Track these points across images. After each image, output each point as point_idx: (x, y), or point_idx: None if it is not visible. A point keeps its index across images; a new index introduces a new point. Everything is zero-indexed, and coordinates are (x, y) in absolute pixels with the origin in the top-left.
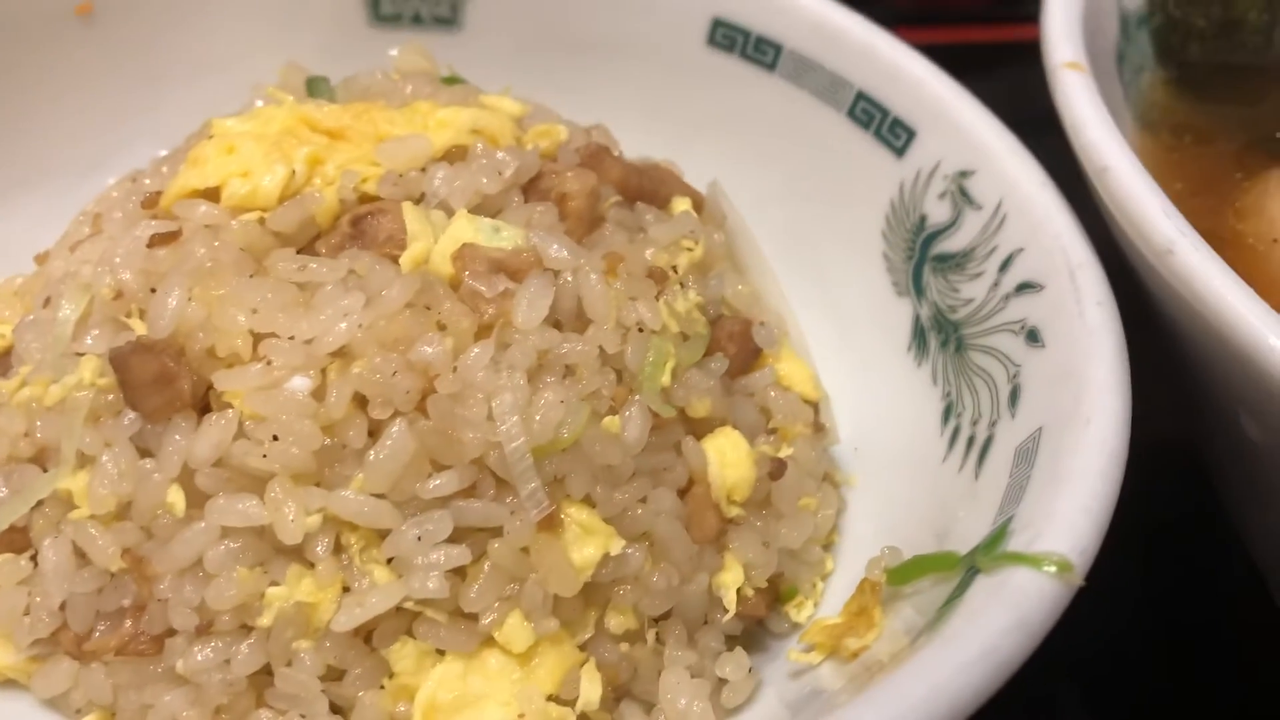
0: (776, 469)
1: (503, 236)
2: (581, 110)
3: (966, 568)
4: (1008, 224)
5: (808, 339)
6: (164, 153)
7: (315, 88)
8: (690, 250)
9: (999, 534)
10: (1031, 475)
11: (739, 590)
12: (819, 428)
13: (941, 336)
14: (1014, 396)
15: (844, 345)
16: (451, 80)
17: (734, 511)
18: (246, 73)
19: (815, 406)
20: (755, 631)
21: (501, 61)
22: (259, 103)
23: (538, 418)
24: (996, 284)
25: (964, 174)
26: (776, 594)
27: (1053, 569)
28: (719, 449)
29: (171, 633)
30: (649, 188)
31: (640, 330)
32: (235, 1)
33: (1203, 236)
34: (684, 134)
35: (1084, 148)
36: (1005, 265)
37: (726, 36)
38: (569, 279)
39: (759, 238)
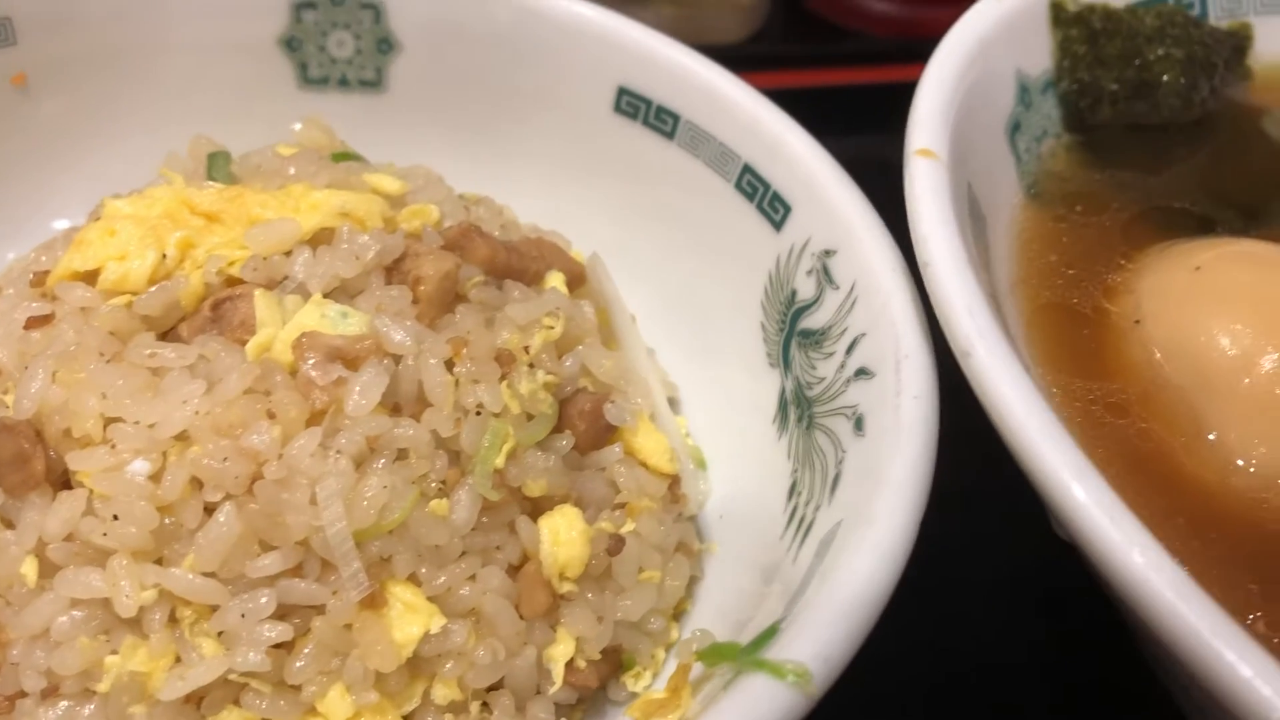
0: (615, 545)
1: (349, 322)
2: (496, 170)
3: (739, 663)
4: (857, 306)
5: (691, 404)
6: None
7: (214, 163)
8: (549, 329)
9: (769, 632)
10: (817, 571)
11: (571, 662)
12: (676, 499)
13: (798, 412)
14: (835, 484)
15: (725, 412)
16: (342, 157)
17: (566, 587)
18: (180, 139)
19: (674, 478)
20: (598, 699)
21: (424, 123)
22: (162, 179)
23: (363, 502)
24: (842, 366)
25: (828, 252)
26: (617, 664)
27: (791, 679)
28: (553, 527)
29: (23, 694)
30: (518, 265)
31: (479, 413)
32: (169, 69)
33: (1068, 312)
34: (592, 196)
35: (917, 241)
36: (851, 348)
37: (631, 104)
38: (410, 364)
39: (655, 302)
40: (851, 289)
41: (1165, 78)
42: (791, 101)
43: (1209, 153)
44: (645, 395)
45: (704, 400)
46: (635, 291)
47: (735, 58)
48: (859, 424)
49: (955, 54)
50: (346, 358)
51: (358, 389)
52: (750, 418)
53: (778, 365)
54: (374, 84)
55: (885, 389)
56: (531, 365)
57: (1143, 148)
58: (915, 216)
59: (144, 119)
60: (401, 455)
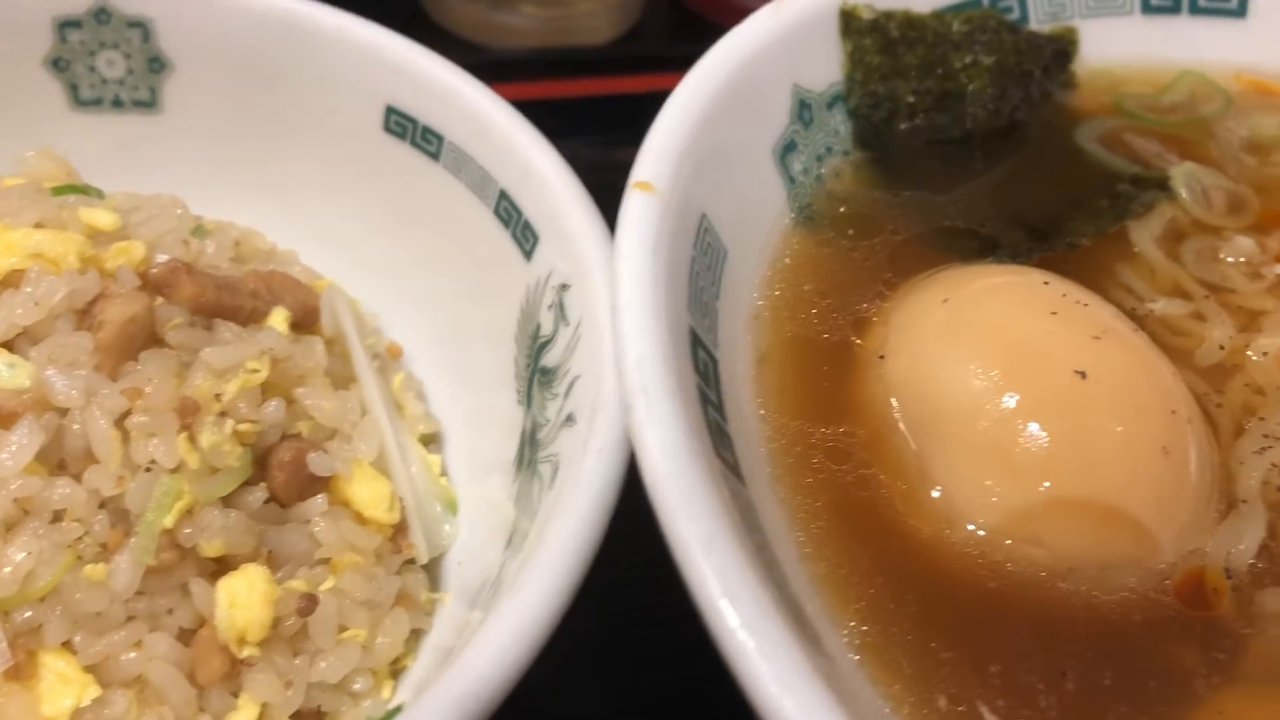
0: (306, 605)
1: (14, 374)
2: (266, 193)
3: None
4: (580, 346)
5: (455, 441)
6: None
7: None
8: (253, 372)
9: (391, 713)
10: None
11: None
12: (400, 548)
13: (529, 455)
14: (523, 539)
15: (483, 451)
16: (66, 189)
17: (248, 651)
18: None
19: (399, 527)
20: None
21: (198, 144)
22: None
23: (7, 569)
24: (561, 409)
25: (564, 287)
26: None
27: None
28: (232, 589)
29: None
30: (231, 303)
31: (149, 469)
32: None
33: (812, 346)
34: (363, 220)
35: (614, 284)
36: (569, 390)
37: (399, 124)
38: (77, 417)
39: (425, 332)
40: (578, 326)
41: (971, 87)
42: (654, 104)
43: (1012, 167)
44: (372, 439)
45: (467, 438)
46: (405, 321)
47: (606, 59)
48: (554, 475)
49: (710, 74)
50: (2, 413)
51: (11, 448)
52: (496, 459)
53: (524, 403)
54: (149, 104)
55: (578, 439)
56: (223, 414)
57: (941, 164)
58: (618, 255)
59: None
60: (57, 517)
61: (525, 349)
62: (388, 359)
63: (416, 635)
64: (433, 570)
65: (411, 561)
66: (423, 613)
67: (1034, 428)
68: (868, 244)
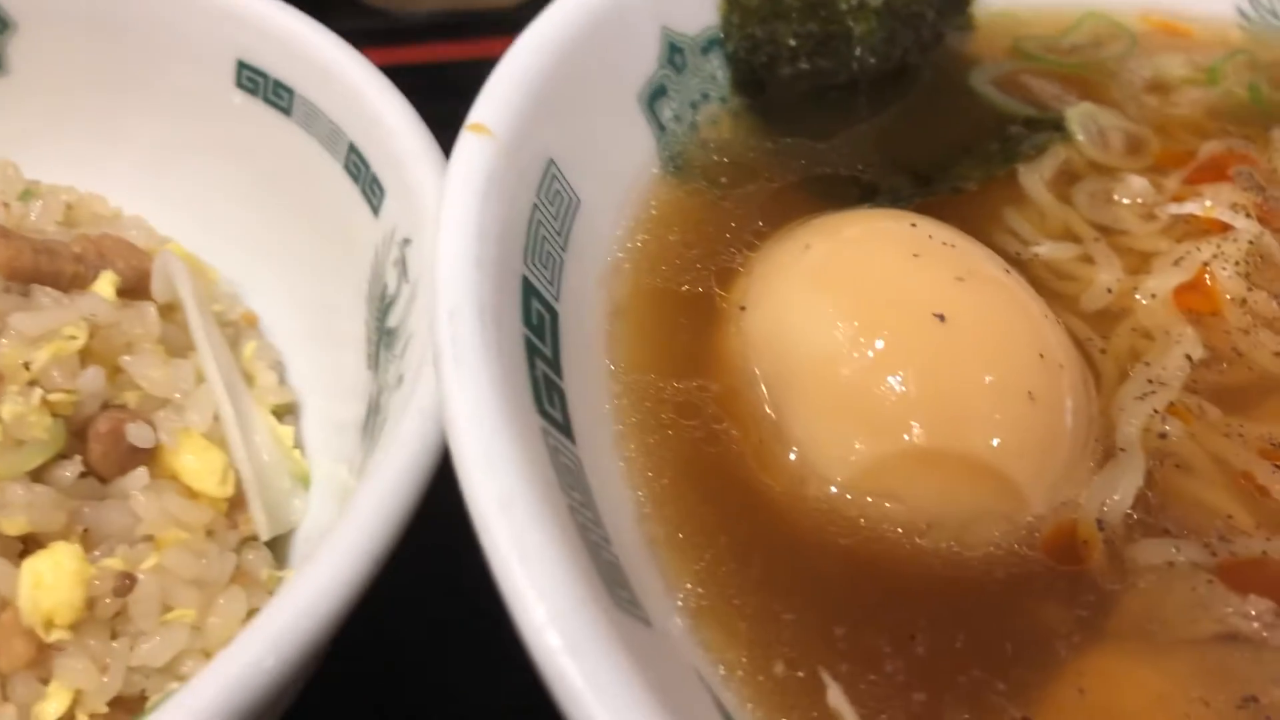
0: (123, 585)
1: None
2: (115, 155)
3: None
4: (415, 304)
5: (313, 412)
6: None
7: None
8: (70, 339)
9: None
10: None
11: (72, 716)
12: (235, 524)
13: (372, 422)
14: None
15: (335, 420)
16: None
17: (57, 635)
18: None
19: (236, 501)
20: None
21: (47, 107)
22: None
23: None
24: (397, 371)
25: (407, 242)
26: (134, 714)
27: None
28: (37, 570)
29: None
30: (50, 268)
31: None
32: None
33: (673, 298)
34: (218, 180)
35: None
36: (404, 351)
37: (250, 79)
38: None
39: (283, 298)
40: (416, 283)
41: (857, 30)
42: None
43: (900, 113)
44: (205, 409)
45: (326, 408)
46: (265, 287)
47: (512, 22)
48: (376, 438)
49: (566, 16)
50: None
51: None
52: (351, 427)
53: (372, 367)
54: None
55: (401, 402)
56: (33, 383)
57: (826, 110)
58: (444, 204)
59: None
60: None
61: (374, 310)
62: (243, 327)
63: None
64: (281, 547)
65: (254, 538)
66: (264, 591)
67: (888, 375)
68: (740, 193)
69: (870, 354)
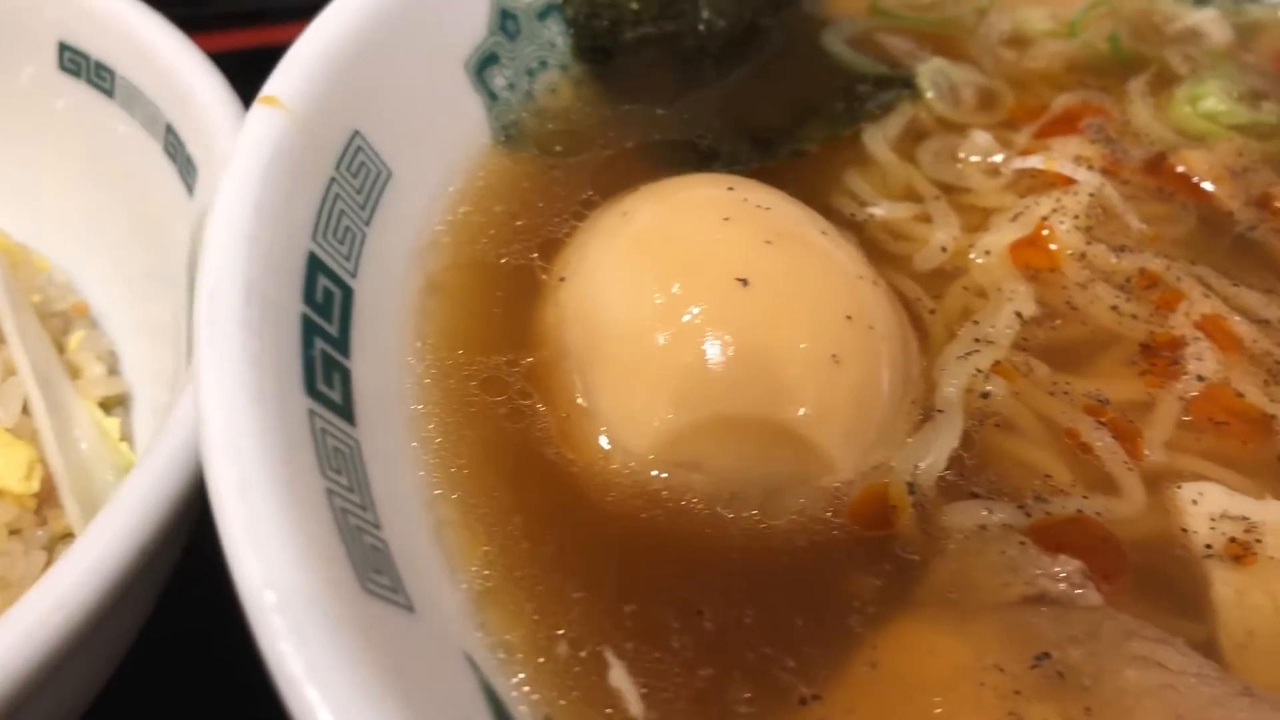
0: None
1: None
2: None
3: None
4: None
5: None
6: None
7: None
8: None
9: None
10: None
11: None
12: (44, 520)
13: None
14: None
15: (164, 411)
16: None
17: None
18: None
19: (40, 496)
20: None
21: None
22: None
23: None
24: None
25: None
26: None
27: None
28: None
29: None
30: None
31: None
32: None
33: (491, 271)
34: (45, 167)
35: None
36: None
37: (73, 61)
38: None
39: (118, 288)
40: None
41: None
42: None
43: (748, 76)
44: (11, 403)
45: (157, 399)
46: (99, 276)
47: None
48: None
49: None
50: None
51: None
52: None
53: (188, 355)
54: None
55: (185, 383)
56: None
57: (672, 75)
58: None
59: None
60: None
61: (190, 295)
62: (72, 317)
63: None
64: None
65: (71, 535)
66: None
67: (687, 342)
68: (573, 162)
69: (670, 321)
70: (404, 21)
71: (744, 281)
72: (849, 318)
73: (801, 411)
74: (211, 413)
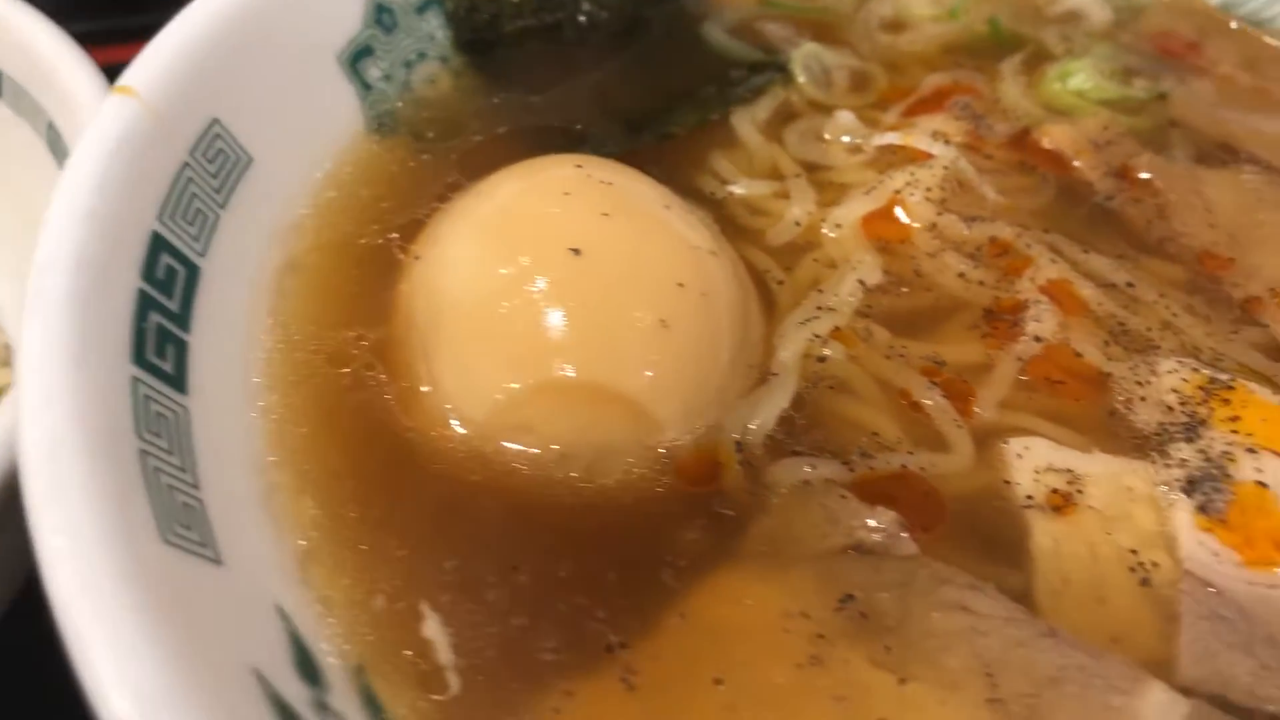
0: None
1: None
2: None
3: None
4: None
5: None
6: None
7: None
8: None
9: None
10: None
11: None
12: None
13: None
14: None
15: None
16: None
17: None
18: None
19: None
20: None
21: None
22: None
23: None
24: None
25: None
26: None
27: None
28: None
29: None
30: None
31: None
32: None
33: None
34: None
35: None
36: None
37: None
38: None
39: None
40: None
41: None
42: None
43: (627, 64)
44: None
45: None
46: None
47: None
48: None
49: None
50: None
51: None
52: None
53: None
54: None
55: None
56: None
57: (551, 64)
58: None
59: None
60: None
61: None
62: None
63: None
64: None
65: None
66: None
67: (522, 311)
68: (444, 147)
69: (504, 292)
70: (272, 16)
71: (576, 251)
72: (680, 285)
73: (629, 375)
74: (29, 377)
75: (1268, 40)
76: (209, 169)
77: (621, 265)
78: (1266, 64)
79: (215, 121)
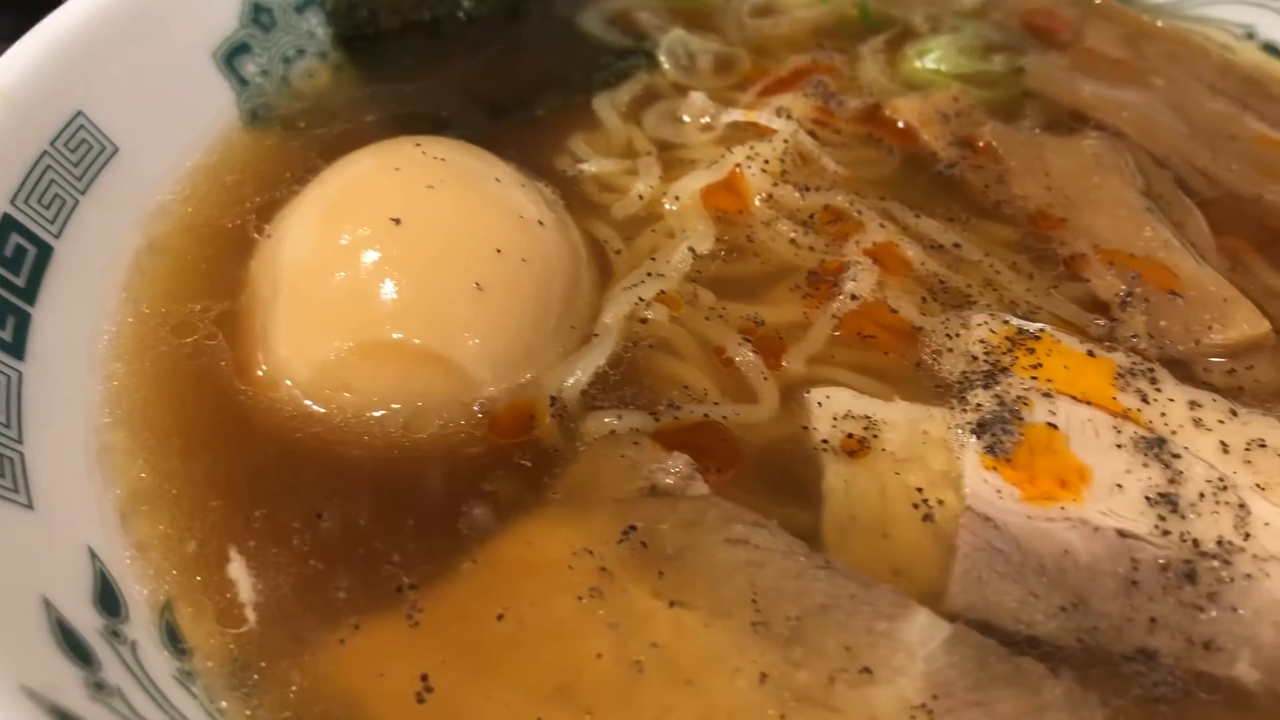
0: None
1: None
2: None
3: None
4: None
5: None
6: None
7: None
8: None
9: None
10: None
11: None
12: None
13: None
14: None
15: None
16: None
17: None
18: None
19: None
20: None
21: None
22: None
23: None
24: None
25: None
26: None
27: None
28: None
29: None
30: None
31: None
32: None
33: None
34: None
35: None
36: None
37: None
38: None
39: None
40: None
41: None
42: None
43: (500, 53)
44: None
45: None
46: None
47: None
48: None
49: None
50: None
51: None
52: None
53: None
54: None
55: None
56: None
57: (429, 56)
58: None
59: None
60: None
61: None
62: None
63: None
64: None
65: None
66: None
67: (344, 278)
68: (311, 135)
69: (329, 260)
70: (146, 17)
71: (396, 221)
72: (499, 251)
73: (444, 335)
74: None
75: (1144, 19)
76: (70, 158)
77: (440, 232)
78: (1142, 40)
79: (80, 114)
